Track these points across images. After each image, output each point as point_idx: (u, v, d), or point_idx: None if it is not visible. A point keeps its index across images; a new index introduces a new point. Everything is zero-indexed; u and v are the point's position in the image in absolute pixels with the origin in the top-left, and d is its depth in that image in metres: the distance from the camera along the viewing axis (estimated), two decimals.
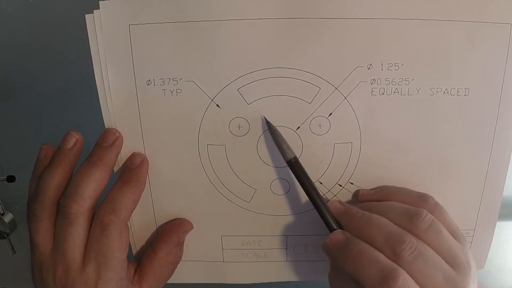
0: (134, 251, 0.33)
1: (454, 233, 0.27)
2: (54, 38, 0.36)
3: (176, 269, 0.32)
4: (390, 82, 0.28)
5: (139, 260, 0.32)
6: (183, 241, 0.32)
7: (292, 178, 0.30)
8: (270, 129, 0.29)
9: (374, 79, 0.28)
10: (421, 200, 0.28)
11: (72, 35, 0.34)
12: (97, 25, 0.27)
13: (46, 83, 0.38)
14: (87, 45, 0.28)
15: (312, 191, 0.29)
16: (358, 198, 0.31)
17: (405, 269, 0.24)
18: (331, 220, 0.28)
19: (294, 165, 0.29)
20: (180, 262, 0.32)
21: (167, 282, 0.32)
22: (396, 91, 0.29)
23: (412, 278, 0.24)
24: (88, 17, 0.27)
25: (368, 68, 0.28)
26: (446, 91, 0.29)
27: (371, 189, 0.31)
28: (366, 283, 0.24)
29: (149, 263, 0.31)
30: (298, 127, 0.29)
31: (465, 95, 0.29)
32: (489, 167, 0.31)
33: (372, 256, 0.25)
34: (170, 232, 0.31)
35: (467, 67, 0.28)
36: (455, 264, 0.25)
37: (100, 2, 0.27)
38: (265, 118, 0.29)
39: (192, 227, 0.32)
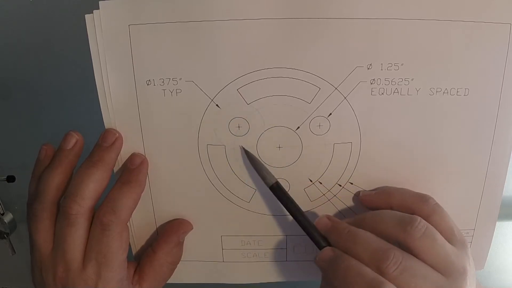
0: (134, 251, 0.33)
1: (452, 237, 0.27)
2: (54, 38, 0.36)
3: (176, 269, 0.32)
4: (390, 82, 0.28)
5: (139, 260, 0.32)
6: (183, 241, 0.32)
7: (292, 178, 0.31)
8: (249, 158, 0.29)
9: (374, 79, 0.28)
10: (421, 201, 0.28)
11: (72, 35, 0.34)
12: (97, 25, 0.27)
13: (46, 83, 0.38)
14: (87, 45, 0.28)
15: (297, 213, 0.29)
16: (359, 199, 0.31)
17: (393, 283, 0.24)
18: (319, 239, 0.28)
19: (277, 190, 0.29)
20: (180, 262, 0.32)
21: (167, 282, 0.32)
22: (396, 91, 0.29)
23: None
24: (88, 17, 0.27)
25: (368, 68, 0.28)
26: (445, 91, 0.29)
27: (372, 190, 0.31)
28: None
29: (149, 263, 0.31)
30: (298, 127, 0.29)
31: (464, 95, 0.29)
32: (489, 167, 0.31)
33: (358, 271, 0.25)
34: (170, 232, 0.31)
35: (467, 67, 0.28)
36: (449, 271, 0.25)
37: (100, 2, 0.27)
38: (243, 148, 0.29)
39: (192, 227, 0.32)
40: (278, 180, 0.30)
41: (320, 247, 0.28)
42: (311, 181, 0.31)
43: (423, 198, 0.28)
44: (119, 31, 0.27)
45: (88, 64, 0.28)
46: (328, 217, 0.29)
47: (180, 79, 0.28)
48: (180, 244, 0.32)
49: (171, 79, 0.28)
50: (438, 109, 0.29)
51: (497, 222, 0.32)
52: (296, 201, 0.30)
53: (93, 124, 0.29)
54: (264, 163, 0.30)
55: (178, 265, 0.32)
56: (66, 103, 0.38)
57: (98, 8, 0.27)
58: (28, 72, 0.37)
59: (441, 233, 0.26)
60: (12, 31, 0.36)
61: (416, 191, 0.29)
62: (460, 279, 0.25)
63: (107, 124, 0.30)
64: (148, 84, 0.29)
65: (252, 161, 0.29)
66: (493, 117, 0.29)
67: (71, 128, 0.30)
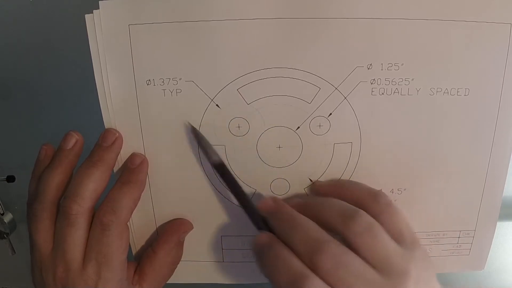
0: (134, 251, 0.33)
1: (400, 237, 0.25)
2: (54, 38, 0.36)
3: (176, 269, 0.32)
4: (390, 82, 0.28)
5: (139, 260, 0.32)
6: (183, 241, 0.32)
7: (292, 178, 0.31)
8: (195, 134, 0.29)
9: (374, 79, 0.28)
10: (371, 198, 0.27)
11: (72, 35, 0.34)
12: (97, 25, 0.27)
13: (46, 83, 0.37)
14: (87, 45, 0.28)
15: (240, 193, 0.28)
16: (312, 189, 0.30)
17: (324, 278, 0.23)
18: (260, 224, 0.28)
19: (219, 168, 0.28)
20: (180, 262, 0.32)
21: (167, 282, 0.32)
22: (396, 91, 0.29)
23: (331, 287, 0.23)
24: (87, 17, 0.27)
25: (368, 68, 0.28)
26: (446, 91, 0.29)
27: (327, 180, 0.30)
28: None
29: (149, 263, 0.31)
30: (298, 127, 0.29)
31: (465, 95, 0.29)
32: (489, 167, 0.31)
33: (285, 262, 0.24)
34: (170, 232, 0.31)
35: (467, 67, 0.28)
36: (387, 271, 0.24)
37: (100, 2, 0.27)
38: (190, 125, 0.29)
39: (192, 227, 0.32)
40: (278, 179, 0.30)
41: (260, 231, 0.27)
42: (311, 181, 0.31)
43: (375, 196, 0.27)
44: (119, 31, 0.27)
45: (88, 64, 0.28)
46: (274, 199, 0.28)
47: (180, 79, 0.28)
48: (180, 244, 0.32)
49: (171, 79, 0.28)
50: (438, 109, 0.29)
51: (497, 222, 0.32)
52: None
53: (93, 124, 0.29)
54: (210, 143, 0.29)
55: (178, 265, 0.32)
56: (66, 103, 0.38)
57: (98, 8, 0.27)
58: (28, 72, 0.37)
59: (388, 232, 0.25)
60: (12, 31, 0.36)
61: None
62: (400, 280, 0.23)
63: (107, 124, 0.30)
64: (148, 84, 0.29)
65: (198, 138, 0.29)
66: (494, 117, 0.29)
67: (71, 128, 0.30)
